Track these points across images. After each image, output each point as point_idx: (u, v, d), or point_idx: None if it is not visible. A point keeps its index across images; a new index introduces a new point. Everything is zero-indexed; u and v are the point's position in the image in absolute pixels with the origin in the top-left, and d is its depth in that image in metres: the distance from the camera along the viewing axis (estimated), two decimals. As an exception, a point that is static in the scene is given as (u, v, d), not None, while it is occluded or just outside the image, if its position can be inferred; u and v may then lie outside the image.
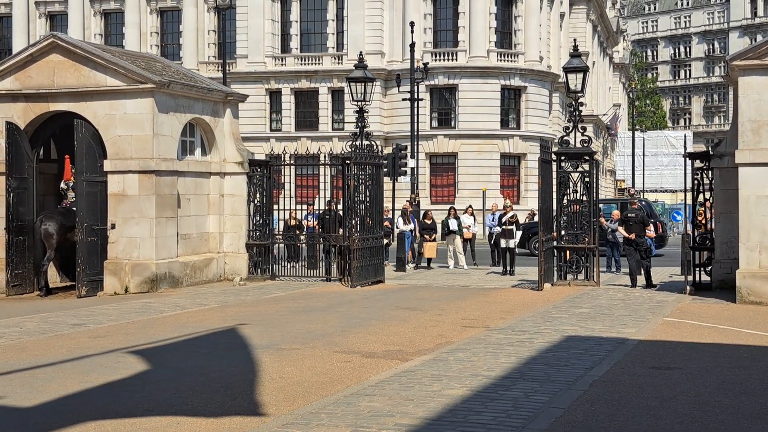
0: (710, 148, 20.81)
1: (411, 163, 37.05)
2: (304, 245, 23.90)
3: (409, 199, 33.98)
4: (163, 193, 19.35)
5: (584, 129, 20.89)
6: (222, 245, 21.63)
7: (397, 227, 26.87)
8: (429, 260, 26.66)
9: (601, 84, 76.74)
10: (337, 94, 54.01)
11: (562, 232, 20.67)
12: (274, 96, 55.67)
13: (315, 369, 10.33)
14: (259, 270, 21.75)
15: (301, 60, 55.27)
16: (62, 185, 20.87)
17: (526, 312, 15.66)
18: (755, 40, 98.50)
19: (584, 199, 20.50)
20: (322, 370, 10.29)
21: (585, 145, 20.72)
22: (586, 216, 20.45)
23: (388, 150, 41.15)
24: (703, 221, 20.14)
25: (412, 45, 42.11)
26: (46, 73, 19.51)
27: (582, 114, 21.86)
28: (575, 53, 21.74)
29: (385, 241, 22.88)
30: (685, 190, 20.86)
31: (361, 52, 25.97)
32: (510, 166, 53.78)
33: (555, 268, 20.63)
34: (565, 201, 20.61)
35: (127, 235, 19.04)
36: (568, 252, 20.63)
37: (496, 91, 52.86)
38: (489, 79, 52.63)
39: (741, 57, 17.47)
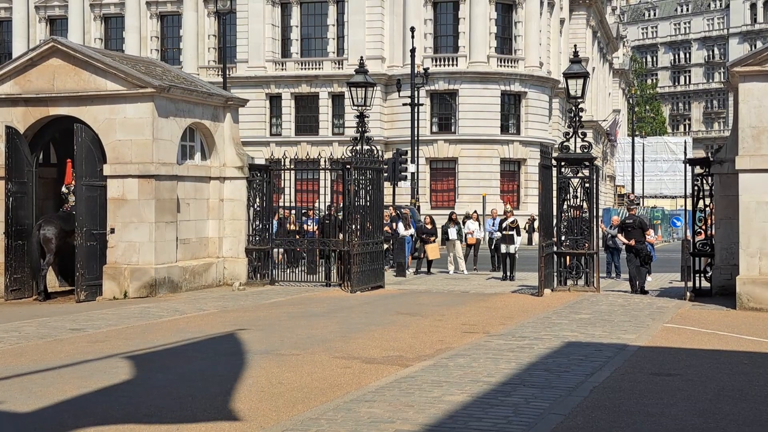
0: (710, 154, 20.80)
1: (411, 168, 37.12)
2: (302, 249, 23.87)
3: (405, 204, 33.95)
4: (163, 197, 19.33)
5: (584, 134, 20.89)
6: (221, 250, 21.60)
7: (397, 232, 26.83)
8: (429, 265, 26.63)
9: (601, 90, 76.81)
10: (337, 99, 54.04)
11: (563, 238, 20.66)
12: (275, 100, 55.69)
13: (314, 375, 10.30)
14: (258, 275, 21.71)
15: (302, 65, 55.30)
16: (63, 189, 20.85)
17: (526, 317, 15.64)
18: (755, 47, 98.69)
19: (584, 204, 20.51)
20: (322, 375, 10.26)
21: (585, 150, 20.72)
22: (587, 221, 20.45)
23: (388, 155, 41.22)
24: (703, 227, 20.12)
25: (413, 50, 42.18)
26: (46, 78, 19.50)
27: (582, 119, 21.85)
28: (575, 59, 21.74)
29: (385, 246, 22.86)
30: (685, 196, 20.85)
31: (361, 57, 25.99)
32: (510, 171, 53.82)
33: (555, 274, 20.61)
34: (565, 206, 20.61)
35: (127, 239, 19.02)
36: (568, 257, 20.62)
37: (496, 96, 52.92)
38: (489, 84, 52.68)
39: (741, 63, 17.47)
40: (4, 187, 19.19)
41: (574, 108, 21.02)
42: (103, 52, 21.16)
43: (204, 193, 21.27)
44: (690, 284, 19.28)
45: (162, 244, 19.27)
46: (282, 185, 23.34)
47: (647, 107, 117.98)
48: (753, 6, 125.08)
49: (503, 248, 24.46)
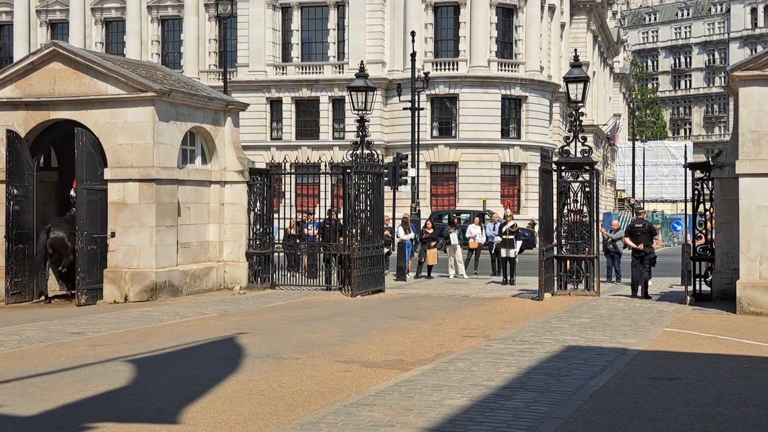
0: (710, 159, 20.80)
1: (411, 172, 37.08)
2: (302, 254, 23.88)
3: (408, 211, 33.95)
4: (163, 201, 19.35)
5: (585, 139, 20.90)
6: (222, 254, 21.61)
7: (397, 236, 26.85)
8: (429, 269, 26.63)
9: (602, 94, 76.84)
10: (337, 103, 54.06)
11: (563, 242, 20.66)
12: (275, 105, 55.74)
13: (315, 378, 10.31)
14: (258, 279, 21.72)
15: (302, 69, 55.36)
16: (72, 193, 20.83)
17: (526, 322, 15.64)
18: (755, 51, 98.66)
19: (584, 209, 20.51)
20: (322, 379, 10.26)
21: (585, 155, 20.73)
22: (587, 226, 20.45)
23: (388, 159, 41.18)
24: (704, 231, 20.13)
25: (413, 54, 42.18)
26: (47, 81, 19.52)
27: (582, 124, 21.87)
28: (576, 63, 21.76)
29: (386, 250, 22.86)
30: (686, 201, 20.84)
31: (362, 62, 25.98)
32: (510, 175, 53.83)
33: (555, 278, 20.61)
34: (565, 210, 20.61)
35: (127, 243, 19.03)
36: (568, 262, 20.62)
37: (497, 100, 52.95)
38: (489, 88, 52.71)
39: (742, 67, 17.49)
40: (5, 190, 19.20)
41: (574, 112, 21.04)
42: (103, 56, 21.18)
43: (204, 197, 21.29)
44: (690, 288, 19.27)
45: (162, 248, 19.28)
46: (282, 189, 23.34)
47: (648, 111, 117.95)
48: (754, 10, 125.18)
49: (503, 252, 24.46)
